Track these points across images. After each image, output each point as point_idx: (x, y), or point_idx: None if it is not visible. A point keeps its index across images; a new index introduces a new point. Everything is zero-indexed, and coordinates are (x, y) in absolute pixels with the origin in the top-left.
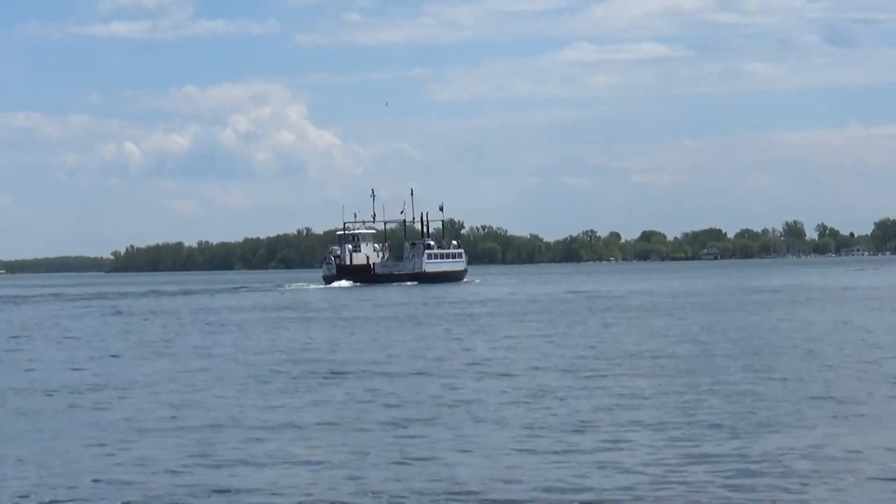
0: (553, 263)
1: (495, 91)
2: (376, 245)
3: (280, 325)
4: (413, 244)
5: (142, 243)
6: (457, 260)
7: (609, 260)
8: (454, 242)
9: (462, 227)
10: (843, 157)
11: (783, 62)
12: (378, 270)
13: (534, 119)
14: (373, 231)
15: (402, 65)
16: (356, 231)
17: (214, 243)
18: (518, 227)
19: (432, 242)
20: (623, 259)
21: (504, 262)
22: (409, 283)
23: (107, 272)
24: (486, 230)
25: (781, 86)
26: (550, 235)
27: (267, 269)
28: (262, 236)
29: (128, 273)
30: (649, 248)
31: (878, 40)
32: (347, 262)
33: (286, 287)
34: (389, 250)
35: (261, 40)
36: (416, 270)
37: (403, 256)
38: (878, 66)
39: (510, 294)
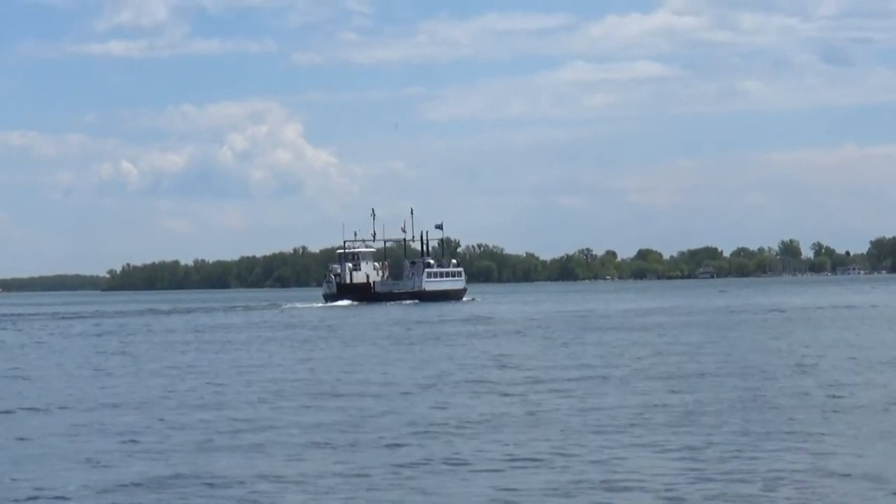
0: (549, 282)
1: (491, 110)
2: (376, 264)
3: (284, 344)
4: (413, 263)
5: (138, 262)
6: (456, 278)
7: (605, 278)
8: (454, 261)
9: (458, 245)
10: (838, 177)
11: (778, 81)
12: (378, 289)
13: (529, 138)
14: (373, 250)
15: (398, 83)
16: (356, 250)
17: (211, 262)
18: (514, 246)
19: (432, 261)
20: (619, 278)
21: (500, 280)
22: (408, 302)
23: (103, 290)
24: (482, 249)
25: (777, 105)
26: (546, 254)
27: (263, 287)
28: (259, 255)
29: (124, 291)
30: (645, 267)
31: (873, 59)
32: (348, 281)
33: (287, 306)
34: (389, 269)
35: (258, 59)
36: (416, 289)
37: (403, 275)
38: (873, 86)
39: (510, 312)
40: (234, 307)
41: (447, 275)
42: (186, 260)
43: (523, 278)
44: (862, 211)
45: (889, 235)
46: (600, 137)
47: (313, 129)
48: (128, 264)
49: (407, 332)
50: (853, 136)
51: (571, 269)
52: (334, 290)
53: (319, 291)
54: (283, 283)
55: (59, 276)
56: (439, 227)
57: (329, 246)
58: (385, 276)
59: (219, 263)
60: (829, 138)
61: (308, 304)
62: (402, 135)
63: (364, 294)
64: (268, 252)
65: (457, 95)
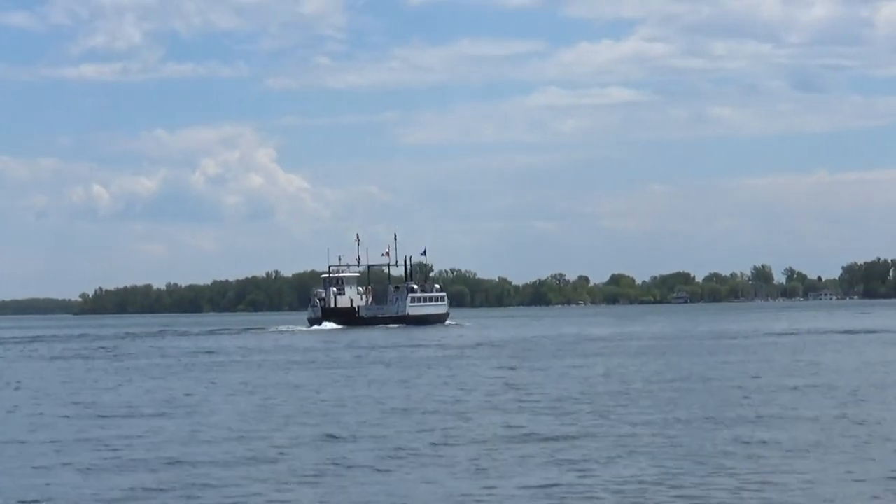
0: (522, 307)
1: (464, 135)
2: (360, 288)
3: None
4: (397, 288)
5: (110, 286)
6: (439, 303)
7: (578, 303)
8: (436, 286)
9: (431, 270)
10: (810, 202)
11: (750, 107)
12: (363, 313)
13: (502, 163)
14: (356, 274)
15: (372, 108)
16: (340, 274)
17: (183, 286)
18: (487, 271)
19: (416, 286)
20: (591, 302)
21: (473, 305)
22: (393, 326)
23: (75, 314)
24: (454, 273)
25: (748, 131)
26: (519, 279)
27: (235, 311)
28: (231, 279)
29: (97, 315)
30: (618, 292)
31: (845, 86)
32: (332, 305)
33: (271, 329)
34: (372, 294)
35: (231, 83)
36: (401, 313)
37: (387, 299)
38: (844, 112)
39: (495, 336)
40: (220, 330)
41: (430, 300)
42: (159, 284)
43: (496, 303)
44: (834, 236)
45: (861, 261)
46: (573, 162)
47: (286, 153)
48: (100, 288)
49: (399, 355)
50: (825, 162)
51: (544, 294)
52: (319, 314)
53: (295, 315)
54: (255, 307)
55: (30, 300)
56: (423, 253)
57: (301, 270)
58: (368, 301)
59: (191, 287)
60: (801, 164)
61: (293, 328)
62: (374, 159)
63: (349, 318)
64: (240, 276)
65: (430, 120)
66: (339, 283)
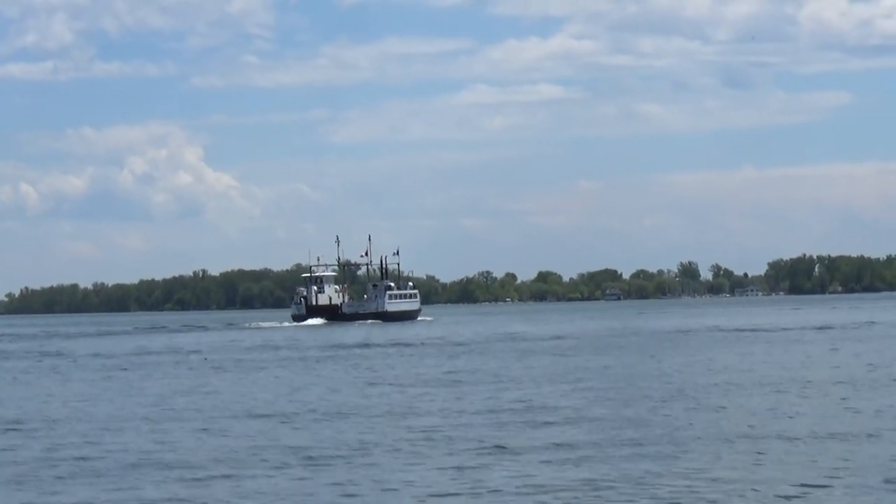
0: (449, 304)
1: (392, 133)
2: (337, 287)
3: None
4: (375, 286)
5: (37, 285)
6: (413, 300)
7: (505, 301)
8: (410, 284)
9: (358, 268)
10: (737, 199)
11: (678, 104)
12: (345, 310)
13: (431, 160)
14: (335, 274)
15: (300, 106)
16: (320, 274)
17: (110, 285)
18: (414, 269)
19: (392, 284)
20: (519, 300)
21: None
22: (371, 322)
23: (0, 314)
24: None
25: (677, 127)
26: (446, 276)
27: (163, 310)
28: (158, 278)
29: (22, 315)
30: (545, 289)
31: (772, 83)
32: (314, 303)
33: (254, 325)
34: (348, 292)
35: (158, 82)
36: (379, 310)
37: (366, 297)
38: (772, 109)
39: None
40: (201, 328)
41: (405, 297)
42: (86, 283)
43: (423, 301)
44: (760, 233)
45: (787, 257)
46: (502, 160)
47: (214, 152)
48: (26, 287)
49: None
50: (752, 158)
51: (472, 292)
52: (303, 311)
53: (267, 312)
54: (182, 305)
55: None
56: (396, 253)
57: (229, 269)
58: (345, 298)
59: (118, 286)
60: (728, 160)
61: (279, 324)
62: (303, 157)
63: (332, 315)
64: (168, 275)
65: (358, 118)
66: (320, 282)
